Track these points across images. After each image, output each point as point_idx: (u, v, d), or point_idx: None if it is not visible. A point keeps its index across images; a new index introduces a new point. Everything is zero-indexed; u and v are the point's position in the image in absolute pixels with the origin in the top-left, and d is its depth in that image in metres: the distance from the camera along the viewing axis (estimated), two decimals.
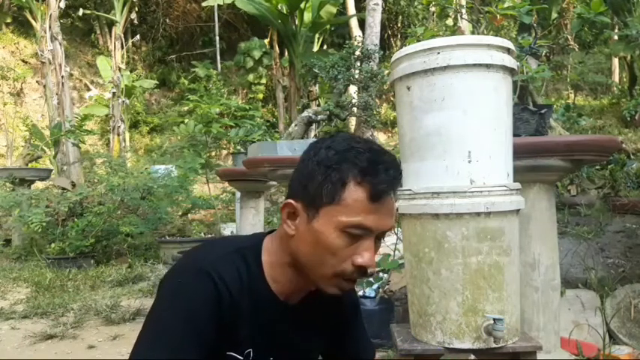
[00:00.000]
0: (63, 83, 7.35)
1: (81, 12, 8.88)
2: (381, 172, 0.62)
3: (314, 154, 0.66)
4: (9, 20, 10.05)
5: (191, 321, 0.61)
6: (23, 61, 10.00)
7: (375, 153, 0.64)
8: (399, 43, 10.38)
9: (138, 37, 9.88)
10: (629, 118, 6.64)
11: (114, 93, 8.45)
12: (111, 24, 9.54)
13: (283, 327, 0.70)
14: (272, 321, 0.69)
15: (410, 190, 1.28)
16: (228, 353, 0.65)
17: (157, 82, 10.19)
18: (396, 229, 2.53)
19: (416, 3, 9.35)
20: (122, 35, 8.93)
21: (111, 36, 9.31)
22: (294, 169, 0.70)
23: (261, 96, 10.20)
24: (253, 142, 5.21)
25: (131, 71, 9.91)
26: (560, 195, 3.61)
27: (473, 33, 3.52)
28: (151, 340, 0.61)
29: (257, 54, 9.09)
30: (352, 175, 0.62)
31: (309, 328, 0.74)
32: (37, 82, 9.52)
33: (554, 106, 4.58)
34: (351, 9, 9.02)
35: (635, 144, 6.01)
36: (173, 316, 0.61)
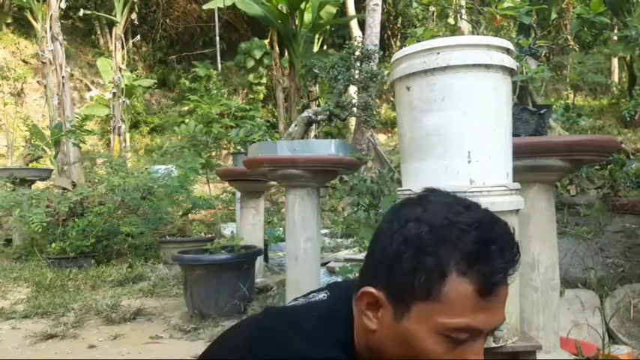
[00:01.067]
0: (63, 83, 7.36)
1: (81, 12, 8.88)
2: (495, 257, 0.47)
3: (399, 227, 0.51)
4: (9, 20, 10.06)
5: None
6: (24, 61, 10.00)
7: (484, 228, 0.49)
8: (398, 43, 10.38)
9: (138, 37, 9.88)
10: (628, 119, 6.64)
11: (114, 93, 8.45)
12: (111, 24, 9.55)
13: None
14: None
15: (410, 190, 1.28)
16: None
17: (156, 82, 10.20)
18: None
19: (415, 4, 9.35)
20: (122, 35, 8.93)
21: (111, 36, 9.31)
22: (373, 239, 0.54)
23: (261, 96, 10.20)
24: (253, 142, 5.21)
25: (132, 71, 9.92)
26: (559, 195, 3.61)
27: (472, 33, 3.53)
28: None
29: (257, 54, 9.10)
30: (455, 263, 0.47)
31: None
32: (37, 82, 9.53)
33: (554, 106, 4.58)
34: (351, 9, 9.02)
35: (635, 144, 6.01)
36: None
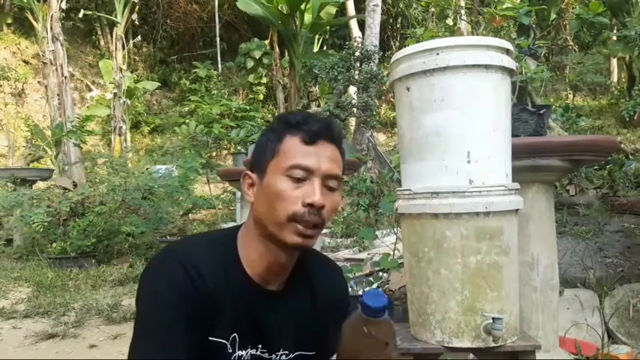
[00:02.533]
0: (64, 84, 7.37)
1: (82, 13, 8.90)
2: (313, 122, 0.70)
3: (261, 133, 0.76)
4: (10, 21, 10.07)
5: (170, 314, 0.63)
6: (24, 61, 10.02)
7: (307, 113, 0.73)
8: (398, 44, 10.39)
9: (139, 37, 9.90)
10: (627, 119, 6.66)
11: (115, 93, 8.47)
12: (112, 25, 9.57)
13: (266, 313, 0.71)
14: (252, 306, 0.70)
15: (409, 190, 1.29)
16: (212, 339, 0.66)
17: (160, 84, 10.22)
18: (395, 229, 2.54)
19: (415, 5, 9.36)
20: (123, 36, 8.95)
21: (112, 37, 9.33)
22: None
23: (261, 96, 10.22)
24: (254, 142, 5.22)
25: (132, 72, 9.94)
26: (558, 195, 3.62)
27: (472, 34, 3.54)
28: (138, 339, 0.65)
29: (257, 54, 9.12)
30: (288, 129, 0.70)
31: (296, 317, 0.74)
32: (38, 82, 9.54)
33: (553, 106, 4.59)
34: (351, 10, 9.04)
35: (634, 144, 6.02)
36: (154, 311, 0.65)
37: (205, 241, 0.73)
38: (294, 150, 0.68)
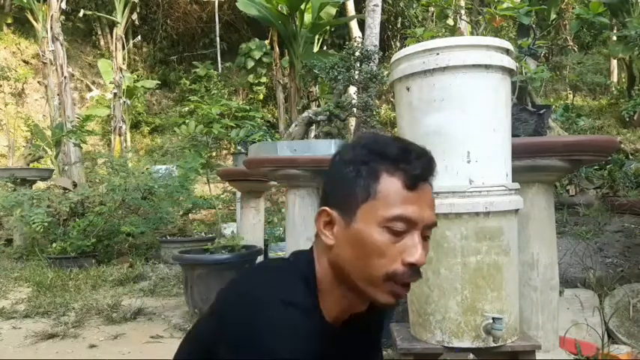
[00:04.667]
0: (64, 84, 7.37)
1: (82, 13, 8.90)
2: (414, 160, 0.59)
3: (341, 156, 0.63)
4: (10, 21, 10.06)
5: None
6: (24, 61, 10.01)
7: (403, 142, 0.62)
8: (398, 44, 10.39)
9: (139, 37, 9.89)
10: (627, 119, 6.65)
11: (115, 94, 8.47)
12: (112, 25, 9.56)
13: (331, 350, 0.64)
14: (324, 346, 0.62)
15: None
16: None
17: (159, 82, 10.22)
18: None
19: (415, 5, 9.37)
20: (123, 36, 8.95)
21: (112, 37, 9.33)
22: (325, 175, 0.65)
23: (261, 96, 10.21)
24: (254, 142, 5.22)
25: (132, 72, 9.93)
26: (558, 195, 3.62)
27: (472, 34, 3.53)
28: None
29: (257, 55, 9.11)
30: (384, 166, 0.59)
31: (355, 350, 0.70)
32: (38, 82, 9.53)
33: (553, 106, 4.59)
34: (351, 10, 9.03)
35: (634, 144, 6.01)
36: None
37: (297, 279, 0.62)
38: (395, 196, 0.57)
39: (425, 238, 0.61)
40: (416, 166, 0.59)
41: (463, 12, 3.32)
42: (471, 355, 1.33)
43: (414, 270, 0.58)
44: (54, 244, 4.62)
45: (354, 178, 0.59)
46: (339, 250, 0.60)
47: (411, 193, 0.58)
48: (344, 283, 0.61)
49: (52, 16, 7.30)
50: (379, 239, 0.57)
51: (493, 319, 1.17)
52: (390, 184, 0.58)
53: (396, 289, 0.59)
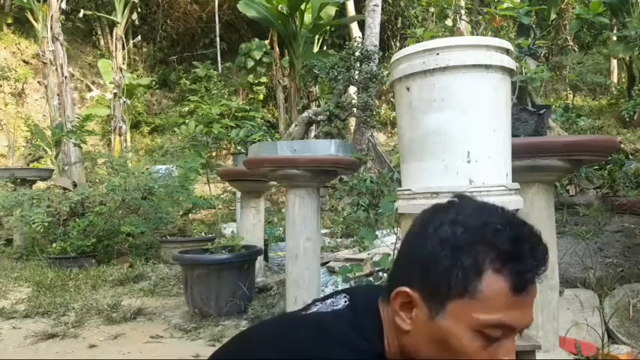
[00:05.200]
0: (64, 84, 7.37)
1: (82, 13, 8.90)
2: (527, 256, 0.50)
3: (434, 229, 0.52)
4: (10, 21, 10.07)
5: None
6: (24, 61, 10.01)
7: (516, 229, 0.51)
8: (398, 44, 10.39)
9: (139, 38, 9.90)
10: (627, 119, 6.66)
11: (115, 93, 8.47)
12: (112, 25, 9.57)
13: None
14: None
15: (409, 190, 1.29)
16: None
17: (155, 80, 10.23)
18: (395, 229, 2.54)
19: (415, 4, 9.36)
20: (123, 36, 8.95)
21: (112, 37, 9.33)
22: (405, 243, 0.56)
23: (261, 97, 10.22)
24: (254, 142, 5.22)
25: (132, 72, 9.94)
26: (558, 195, 3.62)
27: (472, 34, 3.54)
28: None
29: (257, 55, 9.11)
30: (490, 261, 0.49)
31: None
32: (38, 82, 9.54)
33: (553, 106, 4.60)
34: (351, 10, 9.04)
35: (634, 144, 6.02)
36: None
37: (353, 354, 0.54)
38: (500, 301, 0.49)
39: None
40: (529, 265, 0.50)
41: (463, 12, 3.32)
42: None
43: None
44: (54, 244, 4.62)
45: (451, 267, 0.50)
46: (416, 340, 0.53)
47: (517, 297, 0.49)
48: None
49: (52, 16, 7.30)
50: (470, 345, 0.50)
51: None
52: (495, 285, 0.49)
53: None
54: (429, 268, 0.51)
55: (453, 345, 0.50)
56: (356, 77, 4.31)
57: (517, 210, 1.29)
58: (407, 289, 0.53)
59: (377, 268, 2.50)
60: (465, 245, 0.50)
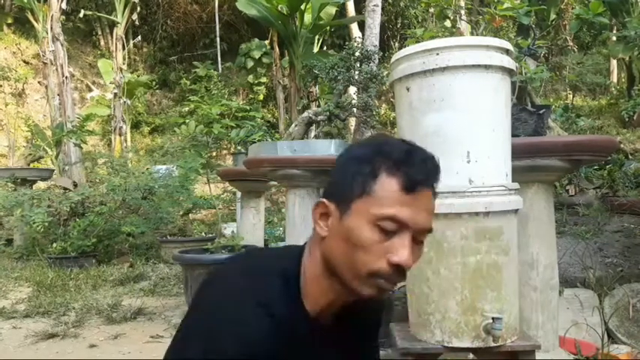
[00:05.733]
0: (65, 84, 7.37)
1: (82, 13, 8.90)
2: (417, 163, 0.60)
3: (348, 153, 0.64)
4: (10, 21, 10.07)
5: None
6: (25, 61, 10.01)
7: (411, 146, 0.62)
8: (398, 44, 10.39)
9: (139, 38, 9.89)
10: (627, 119, 6.66)
11: (115, 94, 8.47)
12: (112, 25, 9.57)
13: (318, 349, 0.64)
14: (308, 344, 0.62)
15: None
16: None
17: (154, 79, 10.23)
18: None
19: (415, 4, 9.37)
20: (123, 36, 8.95)
21: (112, 37, 9.33)
22: (331, 170, 0.67)
23: (261, 97, 10.22)
24: (254, 142, 5.22)
25: (132, 72, 9.94)
26: (558, 195, 3.62)
27: (472, 34, 3.54)
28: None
29: (257, 55, 9.12)
30: (385, 166, 0.59)
31: (345, 350, 0.69)
32: (38, 82, 9.53)
33: (553, 106, 4.60)
34: (351, 10, 9.04)
35: (633, 144, 6.02)
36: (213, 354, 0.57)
37: (277, 274, 0.63)
38: (392, 198, 0.57)
39: (418, 242, 0.61)
40: (418, 170, 0.59)
41: (463, 12, 3.33)
42: (471, 355, 1.33)
43: (399, 271, 0.58)
44: (54, 244, 4.63)
45: (354, 174, 0.60)
46: (331, 241, 0.61)
47: (407, 196, 0.58)
48: (333, 275, 0.62)
49: (52, 17, 7.31)
50: (367, 236, 0.58)
51: (493, 318, 1.17)
52: (388, 185, 0.58)
53: (381, 284, 0.59)
54: (340, 180, 0.62)
55: (356, 238, 0.58)
56: (356, 77, 4.31)
57: (517, 210, 1.30)
58: (324, 200, 0.63)
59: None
60: (366, 158, 0.60)
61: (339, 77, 3.63)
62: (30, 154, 7.41)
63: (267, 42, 9.35)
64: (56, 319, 2.90)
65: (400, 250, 0.57)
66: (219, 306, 0.61)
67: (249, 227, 3.44)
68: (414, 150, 0.62)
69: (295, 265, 0.65)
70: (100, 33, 10.87)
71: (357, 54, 3.99)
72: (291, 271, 0.64)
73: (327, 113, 3.62)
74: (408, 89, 1.28)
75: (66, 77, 7.38)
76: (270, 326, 0.57)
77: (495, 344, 1.20)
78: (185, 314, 0.72)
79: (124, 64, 8.81)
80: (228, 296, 0.61)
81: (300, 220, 2.38)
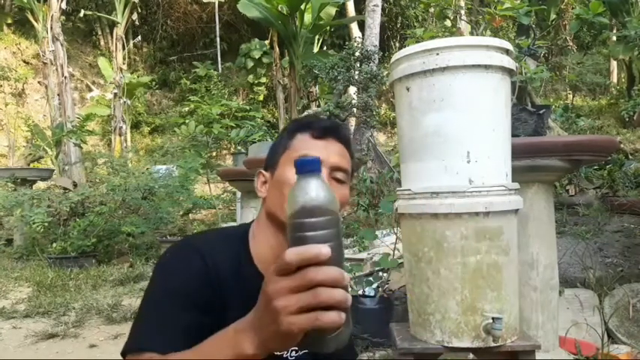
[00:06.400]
0: (65, 84, 7.37)
1: (82, 13, 8.90)
2: (323, 121, 0.77)
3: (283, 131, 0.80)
4: (10, 21, 10.07)
5: (178, 294, 0.63)
6: (25, 61, 10.02)
7: (318, 116, 0.83)
8: (398, 44, 10.39)
9: (139, 38, 9.90)
10: (627, 119, 6.66)
11: (115, 94, 8.48)
12: (112, 25, 9.57)
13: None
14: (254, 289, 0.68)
15: (409, 190, 1.29)
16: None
17: (154, 78, 10.23)
18: (395, 229, 2.54)
19: (415, 4, 9.37)
20: (123, 36, 8.95)
21: (112, 37, 9.34)
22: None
23: (261, 97, 10.22)
24: (254, 142, 5.23)
25: (132, 72, 9.95)
26: (558, 195, 3.62)
27: (472, 34, 3.54)
28: (142, 317, 0.65)
29: (257, 55, 9.12)
30: (299, 128, 0.75)
31: None
32: (38, 82, 9.54)
33: (553, 106, 4.61)
34: (351, 10, 9.04)
35: (633, 144, 6.02)
36: (161, 291, 0.65)
37: (220, 235, 0.76)
38: (304, 143, 0.72)
39: (338, 181, 0.74)
40: (323, 123, 0.76)
41: (463, 12, 3.33)
42: (471, 355, 1.33)
43: None
44: (54, 244, 4.63)
45: (278, 142, 0.76)
46: (269, 197, 0.74)
47: (317, 141, 0.73)
48: (273, 222, 0.73)
49: (52, 17, 7.31)
50: (290, 174, 0.69)
51: (493, 318, 1.17)
52: (301, 137, 0.74)
53: None
54: (270, 152, 0.77)
55: (283, 180, 0.71)
56: (356, 77, 4.32)
57: (517, 210, 1.30)
58: (261, 170, 0.78)
59: (377, 268, 2.50)
60: (285, 129, 0.77)
61: (339, 77, 3.63)
62: (30, 154, 7.42)
63: (267, 42, 9.35)
64: (56, 319, 2.90)
65: None
66: (164, 257, 0.71)
67: None
68: (322, 117, 0.81)
69: (242, 231, 0.76)
70: (100, 33, 10.87)
71: (357, 54, 3.99)
72: (236, 233, 0.76)
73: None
74: (408, 89, 1.28)
75: (66, 77, 7.38)
76: (205, 262, 0.66)
77: (495, 344, 1.20)
78: None
79: (124, 64, 8.81)
80: (172, 251, 0.72)
81: None
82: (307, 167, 0.45)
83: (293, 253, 0.42)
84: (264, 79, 9.84)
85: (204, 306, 0.64)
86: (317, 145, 0.72)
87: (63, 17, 7.95)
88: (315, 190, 0.44)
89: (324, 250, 0.41)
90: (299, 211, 0.44)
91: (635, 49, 4.90)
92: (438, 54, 1.22)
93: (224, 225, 5.32)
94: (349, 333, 0.46)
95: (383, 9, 7.24)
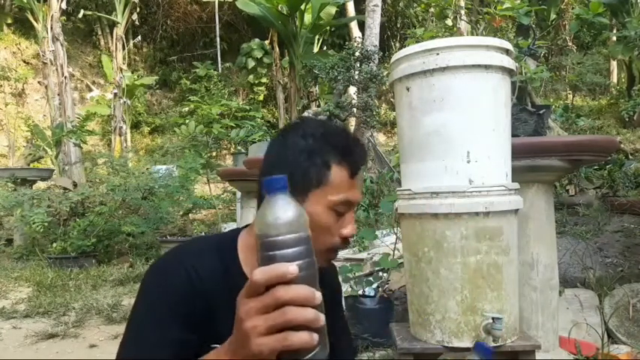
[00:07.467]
0: (65, 84, 7.37)
1: (82, 13, 8.90)
2: (356, 151, 0.71)
3: (291, 145, 0.70)
4: (10, 21, 10.07)
5: (161, 313, 0.63)
6: (25, 61, 10.02)
7: (346, 134, 0.74)
8: (398, 44, 10.40)
9: (139, 38, 9.90)
10: (627, 119, 6.66)
11: (115, 94, 8.48)
12: (112, 25, 9.57)
13: None
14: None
15: (409, 190, 1.29)
16: (212, 346, 0.62)
17: (157, 78, 10.23)
18: (395, 229, 2.54)
19: (415, 4, 9.37)
20: (123, 36, 8.95)
21: (112, 37, 9.33)
22: (268, 161, 0.74)
23: (261, 97, 10.22)
24: (254, 142, 5.23)
25: (132, 72, 9.94)
26: (558, 195, 3.62)
27: (472, 34, 3.54)
28: (130, 334, 0.65)
29: (257, 55, 9.12)
30: (335, 158, 0.68)
31: None
32: (38, 82, 9.54)
33: (553, 106, 4.61)
34: (351, 10, 9.04)
35: (633, 144, 6.02)
36: (144, 311, 0.65)
37: (207, 244, 0.74)
38: (343, 185, 0.68)
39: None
40: (358, 157, 0.71)
41: (463, 12, 3.33)
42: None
43: (347, 242, 0.72)
44: (54, 244, 4.63)
45: (309, 167, 0.67)
46: None
47: (352, 180, 0.70)
48: None
49: (52, 17, 7.31)
50: (328, 220, 0.67)
51: (493, 318, 1.17)
52: (339, 175, 0.68)
53: (332, 257, 0.72)
54: (293, 173, 0.65)
55: (317, 223, 0.66)
56: (356, 77, 4.32)
57: (517, 210, 1.30)
58: None
59: (377, 268, 2.50)
60: (315, 150, 0.68)
61: (339, 77, 3.63)
62: (30, 154, 7.42)
63: (267, 42, 9.35)
64: (56, 319, 2.90)
65: (349, 225, 0.70)
66: (148, 273, 0.70)
67: None
68: (351, 138, 0.73)
69: (232, 240, 0.73)
70: (100, 33, 10.87)
71: (357, 54, 3.99)
72: (226, 241, 0.73)
73: (327, 113, 3.62)
74: (408, 89, 1.28)
75: (66, 77, 7.38)
76: (188, 275, 0.65)
77: (495, 344, 1.20)
78: None
79: (124, 64, 8.81)
80: (155, 267, 0.71)
81: None
82: (274, 185, 0.45)
83: (260, 272, 0.41)
84: (264, 79, 9.84)
85: (188, 322, 0.63)
86: (352, 185, 0.69)
87: (63, 17, 7.94)
88: (283, 209, 0.44)
89: (292, 268, 0.41)
90: (267, 230, 0.43)
91: (635, 49, 4.90)
92: (438, 54, 1.22)
93: (224, 225, 5.33)
94: (326, 355, 0.45)
95: (383, 9, 7.24)
